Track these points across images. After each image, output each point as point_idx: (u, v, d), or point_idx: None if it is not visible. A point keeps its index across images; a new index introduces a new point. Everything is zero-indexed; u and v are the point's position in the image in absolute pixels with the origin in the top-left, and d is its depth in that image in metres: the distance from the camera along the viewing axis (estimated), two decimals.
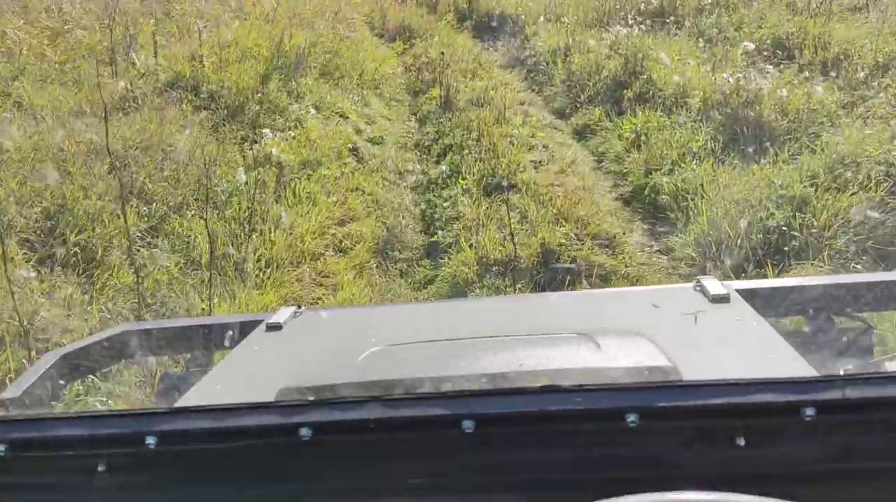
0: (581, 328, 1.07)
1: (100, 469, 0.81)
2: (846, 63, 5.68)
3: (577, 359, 0.97)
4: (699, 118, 5.10)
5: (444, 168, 5.10)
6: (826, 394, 0.74)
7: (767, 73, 5.17)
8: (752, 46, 5.60)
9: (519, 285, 3.55)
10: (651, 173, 4.70)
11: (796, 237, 3.53)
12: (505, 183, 4.56)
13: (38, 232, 3.38)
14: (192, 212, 3.83)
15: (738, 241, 3.62)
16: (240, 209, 4.00)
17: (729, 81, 4.97)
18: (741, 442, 0.74)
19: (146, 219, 3.71)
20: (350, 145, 5.62)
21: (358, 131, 6.00)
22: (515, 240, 3.78)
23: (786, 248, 3.50)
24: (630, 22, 7.21)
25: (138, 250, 3.39)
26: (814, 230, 3.53)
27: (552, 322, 1.25)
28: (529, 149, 5.49)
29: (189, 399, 1.07)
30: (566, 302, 1.57)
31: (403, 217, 4.65)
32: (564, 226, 4.18)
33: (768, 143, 4.49)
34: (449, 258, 3.99)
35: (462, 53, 7.78)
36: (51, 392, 1.29)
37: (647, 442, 0.77)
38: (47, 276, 3.11)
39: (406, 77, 7.58)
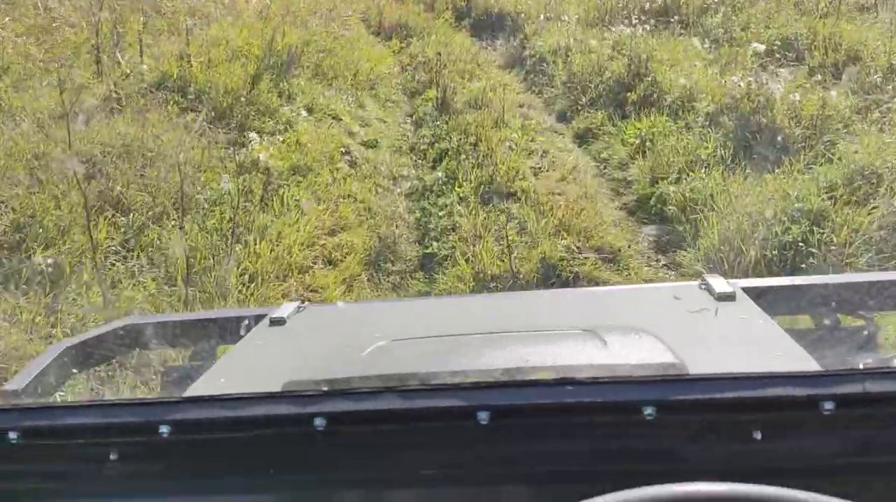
0: (586, 324, 1.06)
1: (112, 457, 0.80)
2: (859, 65, 5.46)
3: (583, 355, 0.96)
4: (708, 123, 4.89)
5: (440, 174, 4.88)
6: (845, 388, 0.73)
7: (779, 76, 4.94)
8: (762, 48, 5.38)
9: None
10: (657, 182, 4.48)
11: (814, 254, 3.32)
12: (504, 190, 4.35)
13: (4, 246, 3.15)
14: (173, 223, 3.61)
15: (752, 257, 3.41)
16: (223, 219, 3.77)
17: (740, 85, 4.74)
18: (758, 435, 0.74)
19: (123, 230, 3.48)
20: (343, 149, 5.39)
21: (351, 134, 5.78)
22: (514, 255, 3.57)
23: (803, 266, 3.29)
24: (633, 21, 6.99)
25: (112, 265, 3.17)
26: (833, 247, 3.32)
27: (556, 318, 1.24)
28: (529, 154, 5.27)
29: (195, 391, 1.05)
30: (570, 298, 1.54)
31: (397, 226, 4.43)
32: (566, 238, 3.96)
33: (781, 151, 4.27)
34: (444, 272, 3.78)
35: (460, 53, 7.55)
36: (55, 383, 1.29)
37: (664, 436, 0.76)
38: (13, 295, 2.89)
39: (402, 77, 7.36)
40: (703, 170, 4.35)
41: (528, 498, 0.79)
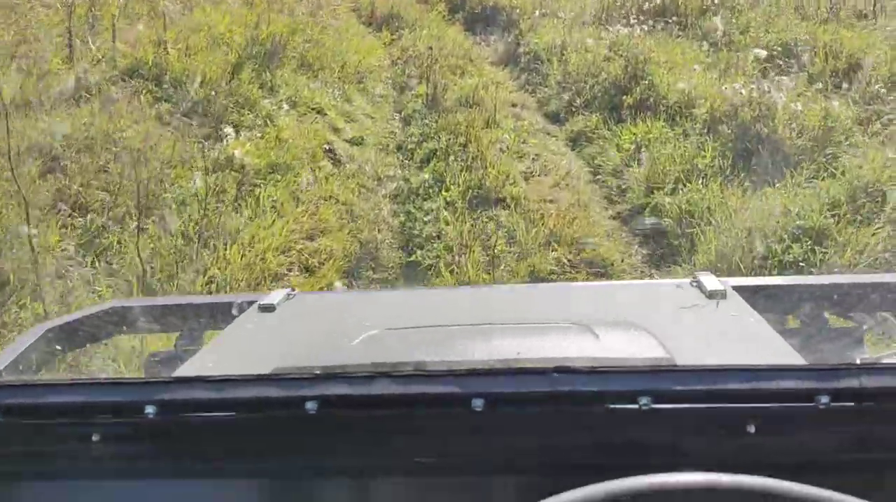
0: (577, 318, 1.07)
1: (95, 438, 0.79)
2: (859, 74, 5.30)
3: (575, 348, 0.96)
4: (706, 131, 4.70)
5: (426, 176, 4.66)
6: (841, 383, 0.74)
7: (781, 83, 4.76)
8: (763, 54, 5.20)
9: None
10: (653, 192, 4.29)
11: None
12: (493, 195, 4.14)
13: None
14: (136, 225, 3.36)
15: (751, 276, 3.23)
16: (191, 220, 3.53)
17: (741, 93, 4.55)
18: (752, 428, 0.74)
19: (80, 232, 3.23)
20: (326, 146, 5.15)
21: (336, 130, 5.53)
22: (502, 268, 3.36)
23: None
24: (631, 21, 6.78)
25: (66, 271, 2.92)
26: (836, 268, 3.15)
27: (547, 312, 1.24)
28: (520, 157, 5.06)
29: (182, 373, 1.02)
30: (562, 292, 1.54)
31: (380, 231, 4.21)
32: (557, 249, 3.77)
33: (782, 163, 4.10)
34: (427, 283, 3.57)
35: (452, 47, 7.31)
36: (35, 366, 1.26)
37: (658, 426, 0.76)
38: None
39: (392, 71, 7.11)
40: (700, 181, 4.17)
41: (521, 485, 0.79)
